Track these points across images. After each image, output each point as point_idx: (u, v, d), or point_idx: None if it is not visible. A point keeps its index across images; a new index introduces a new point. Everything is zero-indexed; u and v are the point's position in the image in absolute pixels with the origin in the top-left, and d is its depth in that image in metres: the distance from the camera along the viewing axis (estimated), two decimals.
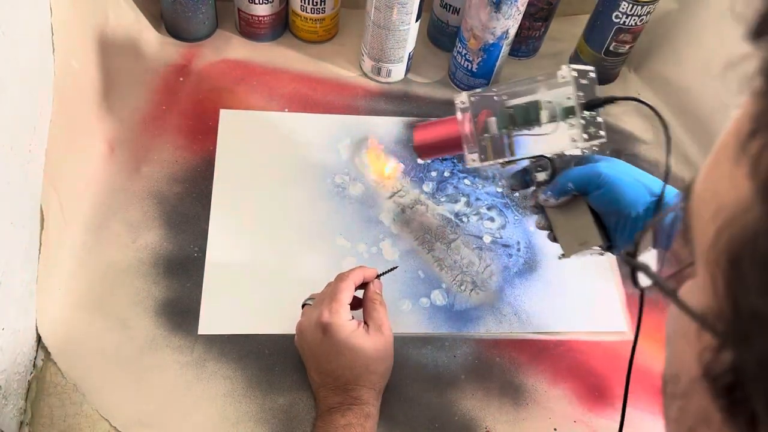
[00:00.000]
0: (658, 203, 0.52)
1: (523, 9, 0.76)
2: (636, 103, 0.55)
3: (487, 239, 0.73)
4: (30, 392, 0.57)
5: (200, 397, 0.59)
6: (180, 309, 0.63)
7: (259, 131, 0.77)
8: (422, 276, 0.69)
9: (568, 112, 0.54)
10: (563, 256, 0.59)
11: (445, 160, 0.78)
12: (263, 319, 0.64)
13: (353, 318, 0.57)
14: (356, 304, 0.59)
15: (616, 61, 0.86)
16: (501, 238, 0.73)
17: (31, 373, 0.58)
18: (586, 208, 0.57)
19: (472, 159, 0.59)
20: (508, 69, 0.86)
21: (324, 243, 0.70)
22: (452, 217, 0.74)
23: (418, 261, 0.70)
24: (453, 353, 0.64)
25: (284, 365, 0.61)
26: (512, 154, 0.58)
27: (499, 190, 0.77)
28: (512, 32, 0.78)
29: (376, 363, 0.56)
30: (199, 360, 0.60)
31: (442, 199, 0.75)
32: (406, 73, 0.86)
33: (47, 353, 0.59)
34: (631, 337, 0.67)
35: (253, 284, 0.66)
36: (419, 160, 0.76)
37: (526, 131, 0.56)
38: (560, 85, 0.54)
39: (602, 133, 0.54)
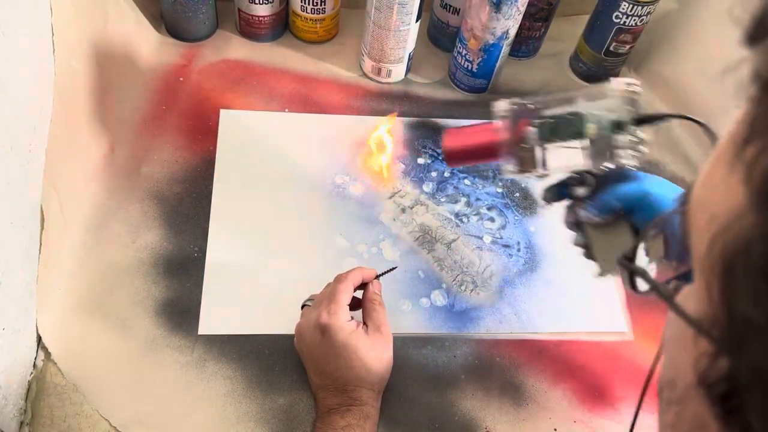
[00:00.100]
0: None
1: (523, 9, 0.76)
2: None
3: (487, 239, 0.73)
4: (30, 392, 0.57)
5: (200, 397, 0.59)
6: (180, 309, 0.63)
7: (259, 131, 0.77)
8: (422, 276, 0.69)
9: (617, 126, 0.51)
10: (601, 275, 0.56)
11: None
12: (263, 319, 0.64)
13: (352, 319, 0.57)
14: (355, 304, 0.59)
15: (616, 62, 0.86)
16: (501, 238, 0.73)
17: (31, 373, 0.58)
18: (628, 227, 0.54)
19: (510, 170, 0.55)
20: (509, 69, 0.86)
21: (324, 243, 0.69)
22: (452, 218, 0.74)
23: (418, 261, 0.70)
24: (453, 353, 0.64)
25: (284, 365, 0.61)
26: (551, 166, 0.54)
27: (499, 190, 0.77)
28: (512, 32, 0.78)
29: (376, 364, 0.56)
30: (199, 360, 0.60)
31: (442, 200, 0.75)
32: (406, 74, 0.86)
33: (47, 353, 0.59)
34: (632, 337, 0.67)
35: (253, 284, 0.66)
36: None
37: (568, 143, 0.52)
38: (608, 97, 0.51)
39: (646, 150, 0.51)
